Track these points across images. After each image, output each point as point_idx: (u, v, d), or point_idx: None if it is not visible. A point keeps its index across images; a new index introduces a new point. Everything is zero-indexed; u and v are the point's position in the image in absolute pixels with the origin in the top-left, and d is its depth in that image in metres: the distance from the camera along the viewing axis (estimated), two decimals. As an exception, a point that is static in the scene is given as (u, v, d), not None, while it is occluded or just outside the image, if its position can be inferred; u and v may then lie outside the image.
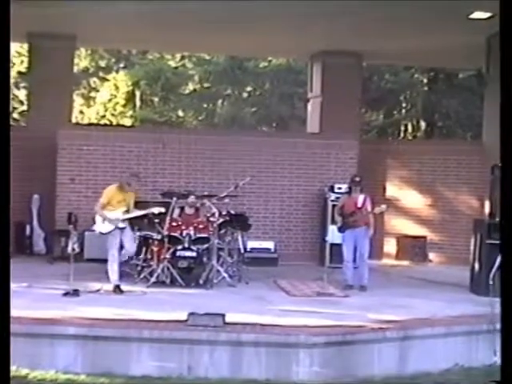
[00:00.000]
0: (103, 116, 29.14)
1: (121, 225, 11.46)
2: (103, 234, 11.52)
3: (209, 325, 8.95)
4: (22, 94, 26.87)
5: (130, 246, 11.72)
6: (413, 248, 16.73)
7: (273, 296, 11.56)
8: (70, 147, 15.23)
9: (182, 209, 12.99)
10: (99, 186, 14.47)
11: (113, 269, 11.46)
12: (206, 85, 29.72)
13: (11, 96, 28.10)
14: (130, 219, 11.66)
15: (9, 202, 7.22)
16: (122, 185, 11.68)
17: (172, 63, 29.64)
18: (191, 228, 12.35)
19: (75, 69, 22.02)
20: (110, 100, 29.02)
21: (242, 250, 13.11)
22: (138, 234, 12.41)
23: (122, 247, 11.66)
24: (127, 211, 11.56)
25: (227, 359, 8.83)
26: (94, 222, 11.68)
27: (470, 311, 10.51)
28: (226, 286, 12.17)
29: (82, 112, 29.41)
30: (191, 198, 12.96)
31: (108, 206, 11.50)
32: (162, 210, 11.92)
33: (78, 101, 28.78)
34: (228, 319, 9.12)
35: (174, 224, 12.38)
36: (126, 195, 11.60)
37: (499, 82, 7.78)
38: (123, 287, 11.52)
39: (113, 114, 29.05)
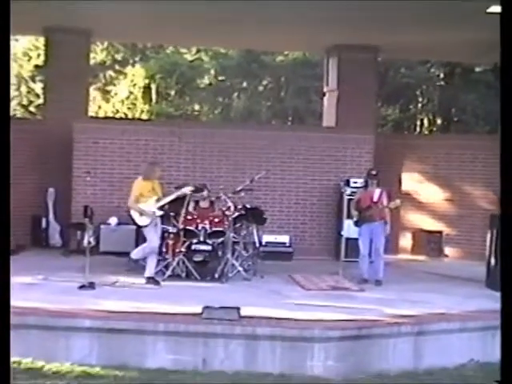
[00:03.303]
0: (118, 110, 29.18)
1: (158, 213, 11.62)
2: (143, 226, 11.61)
3: (224, 318, 8.97)
4: (38, 87, 26.95)
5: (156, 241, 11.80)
6: (428, 242, 16.69)
7: (288, 290, 11.57)
8: (86, 140, 15.25)
9: (198, 202, 13.00)
10: (115, 179, 14.56)
11: (153, 261, 11.58)
12: (221, 78, 29.71)
13: (28, 89, 28.27)
14: (163, 206, 11.76)
15: (9, 199, 7.23)
16: (148, 174, 11.76)
17: (188, 57, 29.63)
18: (206, 222, 12.37)
19: (92, 62, 22.08)
20: (128, 97, 29.07)
21: (258, 244, 13.09)
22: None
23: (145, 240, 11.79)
24: (159, 199, 11.65)
25: (242, 353, 8.85)
26: (132, 219, 11.76)
27: (486, 306, 10.47)
28: (241, 280, 12.19)
29: (99, 107, 29.47)
30: (204, 193, 12.96)
31: (140, 197, 11.60)
32: (192, 188, 12.01)
33: (96, 95, 28.87)
34: (243, 313, 9.14)
35: (190, 218, 12.39)
36: (153, 184, 11.72)
37: None
38: (138, 280, 11.58)
39: (129, 108, 29.10)
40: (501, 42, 7.80)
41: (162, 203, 11.72)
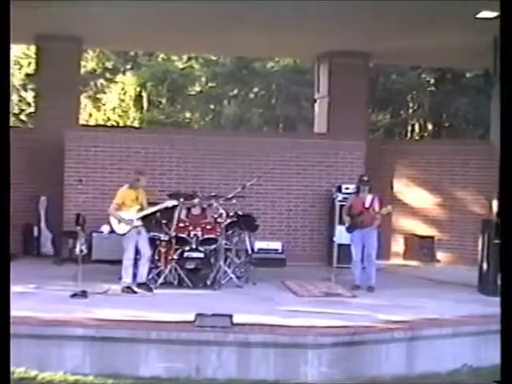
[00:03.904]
0: (109, 118, 29.16)
1: (136, 223, 11.53)
2: (121, 235, 11.56)
3: (216, 326, 8.95)
4: (29, 95, 26.90)
5: (146, 250, 11.73)
6: (421, 248, 16.72)
7: (280, 296, 11.56)
8: (78, 148, 15.26)
9: (189, 210, 13.00)
10: (107, 187, 14.53)
11: (127, 271, 11.50)
12: (212, 86, 29.71)
13: (19, 98, 28.21)
14: (143, 217, 11.70)
15: (9, 203, 7.22)
16: (133, 183, 11.73)
17: (179, 64, 29.64)
18: (199, 229, 12.37)
19: (83, 70, 22.05)
20: (119, 105, 29.05)
21: (250, 251, 13.10)
22: (146, 235, 12.41)
23: (137, 251, 11.72)
24: (141, 209, 11.62)
25: (235, 360, 8.82)
26: (109, 224, 11.74)
27: (478, 311, 10.49)
28: (234, 287, 12.17)
29: (90, 115, 29.44)
30: (196, 200, 12.96)
31: (123, 206, 11.57)
32: (176, 202, 11.99)
33: (87, 103, 28.83)
34: (236, 320, 9.12)
35: (182, 225, 12.39)
36: (137, 193, 11.67)
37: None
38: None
39: (120, 116, 29.08)
40: (500, 44, 7.81)
41: (142, 214, 11.67)
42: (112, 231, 11.88)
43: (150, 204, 12.06)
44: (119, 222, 11.54)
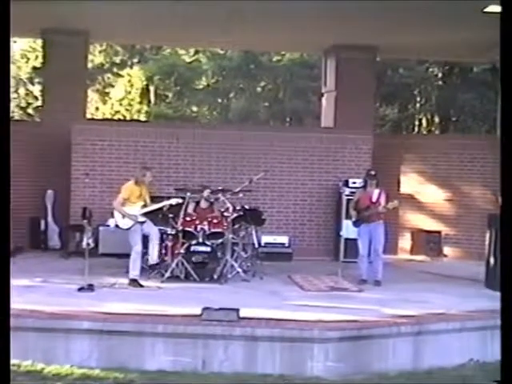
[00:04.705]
0: (117, 111, 29.18)
1: (140, 219, 11.54)
2: (124, 229, 11.57)
3: (223, 319, 8.95)
4: (36, 89, 26.96)
5: (154, 232, 11.80)
6: (428, 242, 16.68)
7: (287, 291, 11.55)
8: (85, 142, 15.26)
9: (197, 204, 12.99)
10: (113, 180, 14.53)
11: (135, 264, 11.49)
12: (219, 79, 29.71)
13: (26, 91, 28.26)
14: (148, 213, 11.70)
15: (9, 199, 7.23)
16: (138, 179, 11.73)
17: (186, 58, 29.64)
18: (205, 223, 12.36)
19: (90, 65, 22.04)
20: (125, 97, 29.05)
21: (257, 245, 13.09)
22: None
23: (144, 245, 11.77)
24: (145, 205, 11.62)
25: (242, 354, 8.84)
26: (113, 217, 11.75)
27: (485, 306, 10.46)
28: (241, 281, 12.17)
29: (97, 108, 29.47)
30: (205, 193, 12.95)
31: (127, 201, 11.57)
32: (180, 200, 11.99)
33: (93, 97, 28.85)
34: (242, 314, 9.13)
35: (189, 219, 12.39)
36: (141, 189, 11.68)
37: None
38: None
39: (127, 109, 29.09)
40: (500, 42, 7.80)
41: (145, 210, 11.67)
42: (116, 225, 11.87)
43: (156, 198, 12.07)
44: (123, 216, 11.55)
